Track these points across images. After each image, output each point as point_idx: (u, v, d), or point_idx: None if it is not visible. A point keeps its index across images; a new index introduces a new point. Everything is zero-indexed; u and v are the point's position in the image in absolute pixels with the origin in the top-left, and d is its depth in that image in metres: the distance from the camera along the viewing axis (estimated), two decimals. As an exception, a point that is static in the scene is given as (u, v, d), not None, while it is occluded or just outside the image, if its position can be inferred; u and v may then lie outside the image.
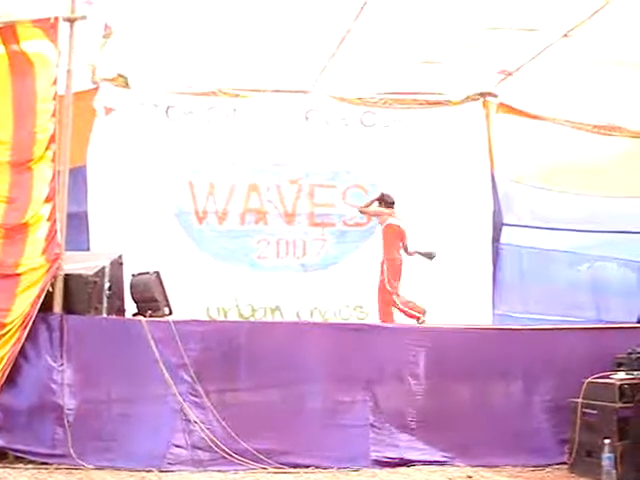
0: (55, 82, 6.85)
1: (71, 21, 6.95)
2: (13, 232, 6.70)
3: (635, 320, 8.24)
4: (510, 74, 9.12)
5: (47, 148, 6.76)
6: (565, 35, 7.89)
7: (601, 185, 9.85)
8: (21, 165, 6.77)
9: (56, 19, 6.84)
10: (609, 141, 9.90)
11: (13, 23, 6.87)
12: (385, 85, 9.52)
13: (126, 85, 9.26)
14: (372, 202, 9.47)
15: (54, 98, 6.83)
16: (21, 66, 6.85)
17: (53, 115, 6.79)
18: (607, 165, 9.85)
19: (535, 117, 9.78)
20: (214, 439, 6.49)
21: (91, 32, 7.56)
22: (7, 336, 6.43)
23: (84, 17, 7.02)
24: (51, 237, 6.69)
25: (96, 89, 9.15)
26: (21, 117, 6.82)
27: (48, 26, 6.83)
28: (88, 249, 8.82)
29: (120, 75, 9.15)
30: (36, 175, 6.76)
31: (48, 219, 6.73)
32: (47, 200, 6.75)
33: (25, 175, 6.77)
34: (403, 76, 9.19)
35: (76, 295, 6.78)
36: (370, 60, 8.70)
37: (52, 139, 6.78)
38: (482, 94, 9.78)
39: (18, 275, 6.58)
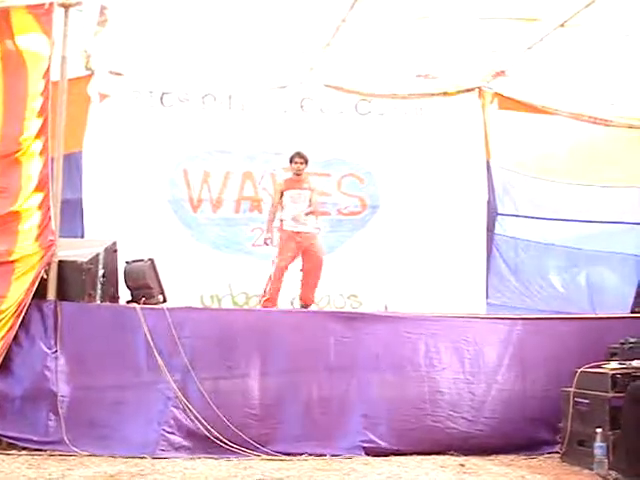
0: (45, 75, 6.78)
1: (65, 7, 6.90)
2: (4, 219, 6.65)
3: (628, 310, 8.27)
4: (503, 73, 9.16)
5: (37, 137, 6.70)
6: (561, 25, 7.87)
7: (597, 175, 9.84)
8: (8, 156, 6.71)
9: (51, 5, 6.78)
10: (606, 131, 9.88)
11: (7, 8, 6.81)
12: (380, 74, 9.48)
13: (120, 73, 9.25)
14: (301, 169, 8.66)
15: (43, 92, 6.76)
16: (15, 68, 6.76)
17: (41, 110, 6.72)
18: (604, 155, 9.83)
19: (531, 107, 9.77)
20: (207, 426, 6.50)
21: (86, 18, 7.52)
22: (1, 323, 6.42)
23: (79, 3, 6.97)
24: (45, 224, 6.67)
25: (90, 76, 9.13)
26: (10, 114, 6.75)
27: (42, 13, 6.77)
28: (82, 236, 8.83)
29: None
30: (24, 166, 6.71)
31: (39, 207, 6.69)
32: (37, 190, 6.71)
33: (13, 166, 6.70)
34: (397, 65, 9.16)
35: (70, 282, 6.77)
36: (365, 50, 8.67)
37: (40, 133, 6.72)
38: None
39: (12, 262, 6.55)
